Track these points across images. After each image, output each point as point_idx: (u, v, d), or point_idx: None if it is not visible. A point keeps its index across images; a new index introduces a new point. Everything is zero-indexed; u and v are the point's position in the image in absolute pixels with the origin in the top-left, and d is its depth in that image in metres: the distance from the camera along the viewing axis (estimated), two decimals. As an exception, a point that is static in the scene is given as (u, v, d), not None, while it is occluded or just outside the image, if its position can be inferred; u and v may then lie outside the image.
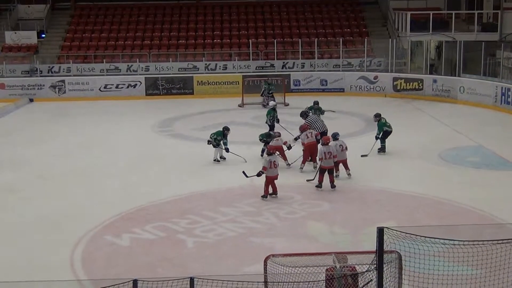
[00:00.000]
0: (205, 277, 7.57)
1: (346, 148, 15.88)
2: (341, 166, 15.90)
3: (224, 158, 17.86)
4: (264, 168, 14.31)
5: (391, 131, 18.37)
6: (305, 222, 12.92)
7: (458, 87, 27.01)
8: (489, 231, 10.23)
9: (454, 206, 13.72)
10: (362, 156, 17.93)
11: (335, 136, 15.86)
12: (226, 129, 17.81)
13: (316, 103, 20.91)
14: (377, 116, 18.43)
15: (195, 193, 15.05)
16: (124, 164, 17.98)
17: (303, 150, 16.91)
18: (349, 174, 15.88)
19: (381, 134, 18.23)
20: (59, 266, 10.83)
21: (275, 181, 14.38)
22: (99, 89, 30.47)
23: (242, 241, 12.00)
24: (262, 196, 14.31)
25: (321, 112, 20.53)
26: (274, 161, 14.38)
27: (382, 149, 18.32)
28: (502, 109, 24.57)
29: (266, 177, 14.33)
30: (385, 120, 18.39)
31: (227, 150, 17.49)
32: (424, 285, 8.49)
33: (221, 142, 17.68)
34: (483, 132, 21.12)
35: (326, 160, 14.87)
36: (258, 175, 14.48)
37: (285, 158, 16.84)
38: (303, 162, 16.72)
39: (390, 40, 31.21)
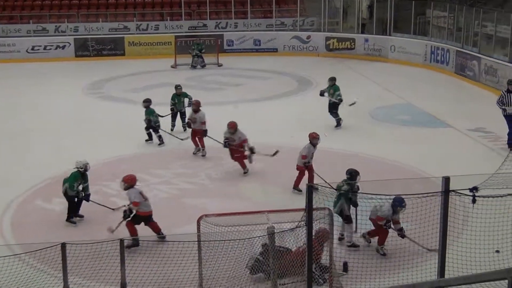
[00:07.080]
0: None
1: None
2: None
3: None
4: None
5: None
6: (238, 182, 12.98)
7: (389, 46, 27.37)
8: (417, 186, 10.47)
9: (384, 163, 14.01)
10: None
11: None
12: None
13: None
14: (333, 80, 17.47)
15: (126, 155, 14.86)
16: (54, 128, 17.54)
17: None
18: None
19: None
20: (-13, 232, 10.60)
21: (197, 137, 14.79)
22: (26, 51, 29.50)
23: (175, 203, 11.99)
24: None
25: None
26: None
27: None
28: (431, 67, 25.06)
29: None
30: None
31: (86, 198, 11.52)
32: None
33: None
34: (413, 90, 21.55)
35: None
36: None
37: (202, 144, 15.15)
38: None
39: (322, -1, 31.24)
